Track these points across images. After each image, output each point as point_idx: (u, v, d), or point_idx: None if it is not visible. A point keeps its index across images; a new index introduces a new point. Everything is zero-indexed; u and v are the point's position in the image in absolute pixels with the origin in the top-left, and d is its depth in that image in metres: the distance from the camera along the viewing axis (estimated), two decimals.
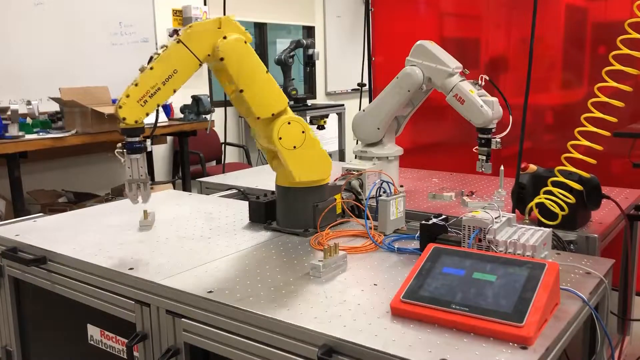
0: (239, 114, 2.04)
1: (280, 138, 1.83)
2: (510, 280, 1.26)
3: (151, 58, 1.78)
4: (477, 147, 2.32)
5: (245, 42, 1.80)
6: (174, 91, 1.78)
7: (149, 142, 1.80)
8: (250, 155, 6.72)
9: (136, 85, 1.74)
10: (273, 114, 1.84)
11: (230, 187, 2.78)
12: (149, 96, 1.75)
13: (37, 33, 4.78)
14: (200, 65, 1.80)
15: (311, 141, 1.88)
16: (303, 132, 1.86)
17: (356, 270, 1.57)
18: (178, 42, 1.76)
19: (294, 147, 1.85)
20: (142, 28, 5.60)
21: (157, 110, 1.80)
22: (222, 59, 1.77)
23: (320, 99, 8.04)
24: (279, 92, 1.86)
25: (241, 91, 1.80)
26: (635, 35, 1.82)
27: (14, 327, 1.97)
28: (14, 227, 2.04)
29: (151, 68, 1.75)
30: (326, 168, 1.93)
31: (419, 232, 1.69)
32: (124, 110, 1.72)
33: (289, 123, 1.84)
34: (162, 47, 1.79)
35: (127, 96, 1.73)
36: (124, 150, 1.78)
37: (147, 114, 1.76)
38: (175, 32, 1.85)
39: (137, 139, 1.77)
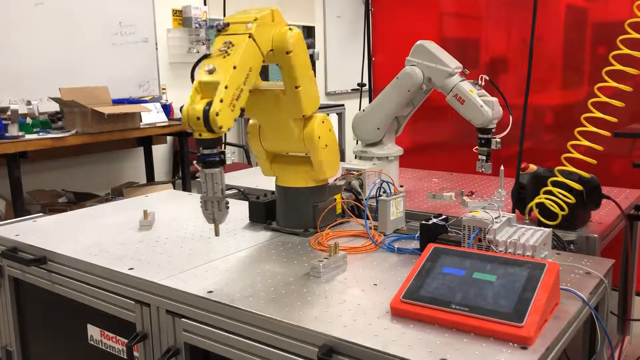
0: (254, 117, 1.92)
1: (319, 137, 1.82)
2: (510, 280, 1.26)
3: (205, 56, 1.59)
4: (477, 147, 2.33)
5: None
6: (249, 92, 1.61)
7: (228, 153, 1.62)
8: (250, 155, 6.72)
9: (226, 87, 1.50)
10: (304, 115, 1.82)
11: (230, 187, 2.78)
12: (236, 99, 1.54)
13: (37, 33, 4.78)
14: (264, 62, 1.66)
15: (334, 140, 1.90)
16: (330, 130, 1.87)
17: (356, 270, 1.57)
18: (250, 36, 1.59)
19: (326, 145, 1.86)
20: (142, 28, 5.60)
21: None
22: (289, 52, 1.67)
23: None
24: (317, 92, 1.85)
25: (297, 87, 1.74)
26: (635, 35, 1.82)
27: (14, 327, 1.97)
28: (14, 227, 2.04)
29: (234, 67, 1.53)
30: (338, 164, 1.96)
31: (419, 232, 1.69)
32: (221, 117, 1.48)
33: (323, 122, 1.84)
34: (226, 44, 1.58)
35: (221, 100, 1.49)
36: (199, 163, 1.56)
37: (235, 120, 1.56)
38: (222, 25, 1.65)
39: (214, 150, 1.54)
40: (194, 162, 1.56)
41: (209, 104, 1.48)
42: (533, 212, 2.01)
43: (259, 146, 1.95)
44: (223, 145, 1.52)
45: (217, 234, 1.63)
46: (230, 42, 1.58)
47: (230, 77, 1.52)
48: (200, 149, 1.54)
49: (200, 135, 1.51)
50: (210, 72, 1.52)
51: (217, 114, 1.46)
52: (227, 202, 1.60)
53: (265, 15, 1.65)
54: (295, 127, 1.83)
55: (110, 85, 4.76)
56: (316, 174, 1.89)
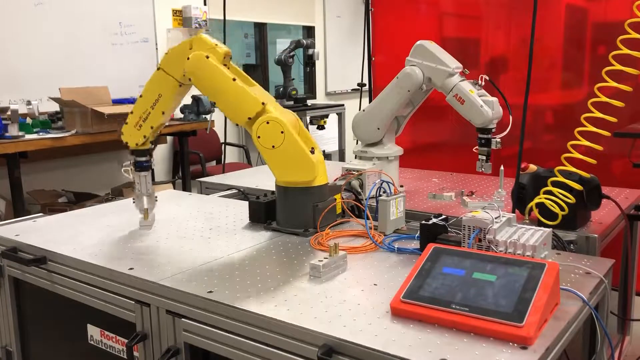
0: None
1: (258, 137, 1.87)
2: (510, 280, 1.26)
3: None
4: (477, 147, 2.32)
5: (208, 57, 1.86)
6: (163, 113, 1.94)
7: (152, 160, 2.04)
8: (250, 155, 6.72)
9: (131, 112, 1.95)
10: (250, 118, 1.87)
11: (230, 187, 2.78)
12: (143, 120, 1.95)
13: (37, 33, 4.78)
14: (180, 85, 1.93)
15: (292, 142, 1.85)
16: (282, 132, 1.85)
17: (356, 270, 1.57)
18: (158, 69, 1.92)
19: (273, 146, 1.86)
20: (142, 28, 5.60)
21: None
22: (190, 79, 1.89)
23: (320, 99, 8.04)
24: (249, 97, 1.87)
25: (213, 104, 1.89)
26: (635, 35, 1.82)
27: (14, 327, 1.97)
28: (14, 227, 2.04)
29: (140, 96, 1.93)
30: (309, 170, 1.87)
31: (419, 232, 1.69)
32: (125, 135, 1.98)
33: (267, 123, 1.85)
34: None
35: (126, 123, 1.96)
36: (133, 167, 2.00)
37: (145, 137, 1.96)
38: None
39: (144, 158, 2.00)
40: (130, 168, 1.92)
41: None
42: (533, 212, 2.01)
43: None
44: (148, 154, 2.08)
45: (146, 218, 2.03)
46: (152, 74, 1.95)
47: (136, 104, 1.95)
48: (134, 157, 2.00)
49: (136, 145, 1.98)
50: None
51: (122, 133, 1.97)
52: (156, 197, 2.06)
53: (178, 47, 1.91)
54: (250, 129, 1.92)
55: (110, 85, 4.76)
56: (276, 177, 1.93)
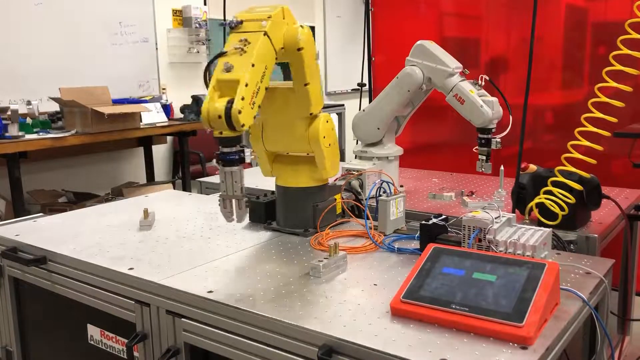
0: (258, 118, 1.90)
1: (324, 136, 1.81)
2: (510, 280, 1.26)
3: (221, 54, 1.58)
4: (477, 147, 2.32)
5: None
6: (266, 89, 1.60)
7: (247, 152, 1.59)
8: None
9: (247, 85, 1.50)
10: (311, 114, 1.81)
11: None
12: (255, 96, 1.54)
13: (37, 33, 4.78)
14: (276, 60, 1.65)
15: (336, 138, 1.90)
16: (333, 129, 1.87)
17: (356, 270, 1.57)
18: (265, 34, 1.58)
19: (329, 144, 1.85)
20: (142, 28, 5.60)
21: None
22: (300, 49, 1.67)
23: None
24: (320, 92, 1.84)
25: (306, 84, 1.74)
26: (635, 35, 1.82)
27: (14, 327, 1.97)
28: (14, 227, 2.04)
29: (252, 65, 1.52)
30: (339, 164, 1.95)
31: (419, 232, 1.69)
32: (244, 115, 1.47)
33: (327, 121, 1.84)
34: (241, 42, 1.57)
35: (243, 98, 1.48)
36: (219, 161, 1.57)
37: (254, 118, 1.56)
38: (235, 23, 1.64)
39: (233, 149, 1.56)
40: (215, 161, 1.59)
41: (230, 102, 1.47)
42: (533, 212, 2.01)
43: (261, 146, 1.94)
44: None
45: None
46: (246, 40, 1.58)
47: (250, 75, 1.52)
48: (220, 147, 1.54)
49: (220, 133, 1.51)
50: (228, 69, 1.52)
51: (239, 112, 1.46)
52: (247, 201, 1.61)
53: (277, 13, 1.66)
54: (300, 126, 1.83)
55: (110, 85, 4.76)
56: (318, 173, 1.89)
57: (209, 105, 1.49)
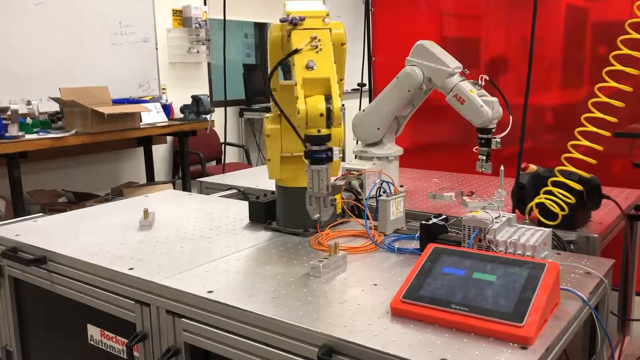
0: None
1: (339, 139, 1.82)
2: (510, 280, 1.26)
3: (295, 51, 1.56)
4: (477, 147, 2.32)
5: None
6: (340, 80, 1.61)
7: (335, 150, 1.55)
8: (250, 155, 6.72)
9: (341, 80, 1.54)
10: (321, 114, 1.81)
11: (230, 187, 2.78)
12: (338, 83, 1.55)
13: (37, 33, 4.78)
14: None
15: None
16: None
17: (356, 270, 1.57)
18: (329, 30, 1.61)
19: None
20: (142, 28, 5.61)
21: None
22: (343, 44, 1.71)
23: None
24: None
25: (341, 80, 1.75)
26: (635, 35, 1.82)
27: (14, 327, 1.97)
28: (14, 227, 2.04)
29: (334, 62, 1.54)
30: (339, 164, 1.94)
31: (419, 232, 1.69)
32: (337, 110, 1.49)
33: (340, 124, 1.84)
34: (313, 39, 1.57)
35: (340, 79, 1.55)
36: (307, 159, 1.55)
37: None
38: (298, 19, 1.62)
39: (322, 147, 1.53)
40: (304, 158, 1.54)
41: (327, 100, 1.48)
42: (533, 212, 2.01)
43: (278, 147, 1.89)
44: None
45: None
46: (317, 37, 1.58)
47: (336, 72, 1.53)
48: (308, 145, 1.52)
49: (319, 131, 1.50)
50: (311, 68, 1.52)
51: (340, 109, 1.49)
52: (333, 199, 1.59)
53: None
54: None
55: (110, 85, 4.76)
56: (332, 172, 1.88)
57: (308, 104, 1.48)
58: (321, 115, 1.48)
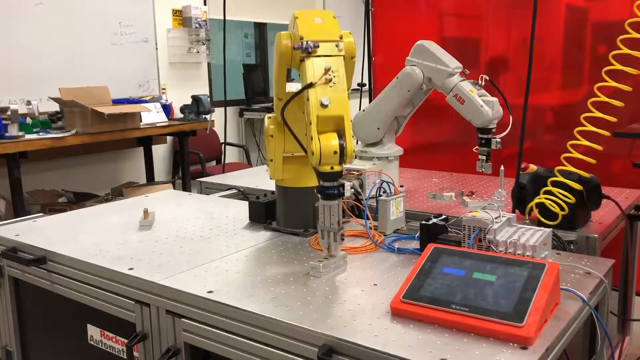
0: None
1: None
2: (510, 280, 1.26)
3: (310, 85, 1.56)
4: (477, 147, 2.32)
5: None
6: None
7: (347, 185, 1.55)
8: (250, 155, 6.72)
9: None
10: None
11: (230, 187, 2.78)
12: None
13: (37, 33, 4.78)
14: None
15: None
16: None
17: (356, 270, 1.57)
18: (343, 57, 1.62)
19: None
20: (142, 28, 5.61)
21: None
22: (353, 58, 1.71)
23: None
24: None
25: (347, 90, 1.75)
26: (635, 35, 1.82)
27: (14, 327, 1.97)
28: (14, 227, 2.04)
29: (348, 94, 1.57)
30: None
31: (419, 232, 1.69)
32: (349, 148, 1.51)
33: None
34: (327, 71, 1.57)
35: (351, 132, 1.54)
36: (318, 194, 1.54)
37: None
38: (313, 46, 1.59)
39: (335, 183, 1.53)
40: (316, 192, 1.52)
41: (340, 137, 1.50)
42: (533, 212, 2.01)
43: (281, 149, 1.88)
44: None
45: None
46: (331, 69, 1.57)
47: (349, 107, 1.55)
48: (321, 181, 1.53)
49: (332, 168, 1.51)
50: (325, 106, 1.52)
51: (353, 147, 1.51)
52: (343, 235, 1.59)
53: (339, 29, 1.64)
54: None
55: (110, 85, 4.76)
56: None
57: (322, 143, 1.49)
58: (335, 152, 1.49)
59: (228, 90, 3.84)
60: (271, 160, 1.91)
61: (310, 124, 1.51)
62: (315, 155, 1.49)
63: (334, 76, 1.56)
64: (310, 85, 1.55)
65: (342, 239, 1.59)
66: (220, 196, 2.61)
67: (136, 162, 5.73)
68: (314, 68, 1.58)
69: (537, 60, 2.15)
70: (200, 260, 1.67)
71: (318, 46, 1.61)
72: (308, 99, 1.54)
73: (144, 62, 5.65)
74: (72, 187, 5.01)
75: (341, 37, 1.63)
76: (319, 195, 1.54)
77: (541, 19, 2.72)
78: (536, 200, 1.98)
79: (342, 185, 1.54)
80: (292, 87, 1.78)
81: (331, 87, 1.55)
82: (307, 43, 1.59)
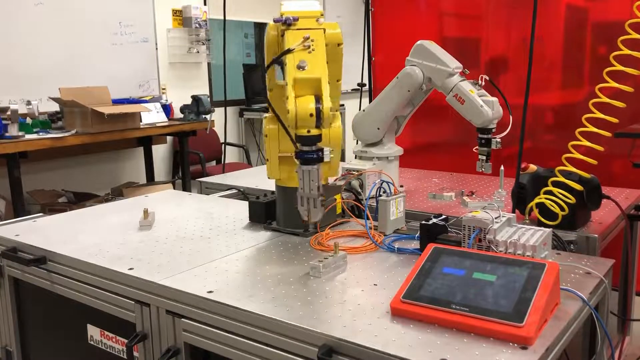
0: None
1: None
2: (510, 280, 1.26)
3: (288, 51, 1.56)
4: (477, 147, 2.32)
5: None
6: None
7: (327, 150, 1.54)
8: (250, 155, 6.72)
9: (338, 81, 1.56)
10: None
11: (230, 187, 2.78)
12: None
13: (37, 33, 4.78)
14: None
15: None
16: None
17: (356, 270, 1.57)
18: (324, 31, 1.60)
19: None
20: (142, 28, 5.61)
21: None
22: (340, 45, 1.71)
23: None
24: None
25: (339, 80, 1.76)
26: (635, 35, 1.82)
27: (14, 327, 1.97)
28: (14, 227, 2.04)
29: (327, 62, 1.54)
30: (338, 164, 1.96)
31: (419, 232, 1.69)
32: (326, 111, 1.48)
33: (338, 125, 1.86)
34: (306, 39, 1.57)
35: (328, 96, 1.49)
36: (297, 159, 1.55)
37: (331, 109, 1.55)
38: (292, 19, 1.63)
39: (313, 147, 1.54)
40: (295, 158, 1.53)
41: (317, 100, 1.48)
42: (533, 212, 2.01)
43: (276, 148, 1.89)
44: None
45: (309, 228, 1.72)
46: (310, 38, 1.58)
47: (329, 72, 1.53)
48: (299, 145, 1.53)
49: (308, 132, 1.50)
50: (302, 68, 1.52)
51: (330, 110, 1.48)
52: (323, 200, 1.59)
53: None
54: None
55: (110, 85, 4.76)
56: (330, 172, 1.89)
57: (298, 104, 1.49)
58: (311, 115, 1.48)
59: (228, 90, 3.84)
60: (267, 160, 1.92)
61: (287, 85, 1.51)
62: (291, 115, 1.48)
63: (313, 46, 1.56)
64: (289, 50, 1.56)
65: (322, 205, 1.58)
66: (220, 196, 2.61)
67: (136, 162, 5.72)
68: (293, 37, 1.59)
69: (537, 60, 2.15)
70: (200, 260, 1.67)
71: (297, 19, 1.63)
72: (286, 64, 1.55)
73: (144, 62, 5.65)
74: (72, 187, 5.01)
75: (322, 14, 1.64)
76: (298, 161, 1.53)
77: (541, 19, 2.72)
78: (536, 200, 1.98)
79: (322, 150, 1.53)
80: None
81: (310, 53, 1.55)
82: (287, 17, 1.62)
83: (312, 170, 1.54)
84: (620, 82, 1.84)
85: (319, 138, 1.52)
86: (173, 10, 6.00)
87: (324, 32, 1.63)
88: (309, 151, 1.53)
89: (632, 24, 1.83)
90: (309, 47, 1.57)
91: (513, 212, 2.06)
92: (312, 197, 1.56)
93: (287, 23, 1.62)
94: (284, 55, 1.58)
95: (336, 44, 1.70)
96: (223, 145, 4.73)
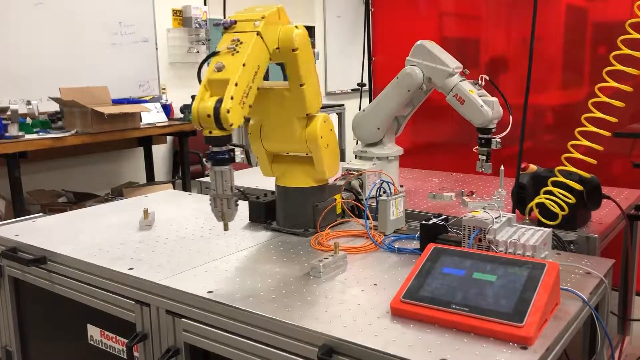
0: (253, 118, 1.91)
1: (321, 137, 1.81)
2: (510, 280, 1.26)
3: (213, 53, 1.60)
4: (477, 147, 2.32)
5: None
6: (257, 89, 1.60)
7: (238, 150, 1.62)
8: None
9: (236, 84, 1.51)
10: (308, 114, 1.81)
11: None
12: (245, 96, 1.55)
13: (37, 33, 4.78)
14: (270, 60, 1.66)
15: (335, 139, 1.91)
16: (332, 129, 1.87)
17: (356, 270, 1.57)
18: (257, 34, 1.60)
19: (327, 145, 1.85)
20: (142, 28, 5.61)
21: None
22: (294, 50, 1.69)
23: None
24: (319, 91, 1.84)
25: (302, 85, 1.75)
26: (635, 35, 1.82)
27: (14, 327, 1.97)
28: (14, 227, 2.04)
29: (244, 65, 1.53)
30: (338, 164, 1.96)
31: (419, 232, 1.69)
32: (232, 114, 1.48)
33: (325, 121, 1.84)
34: (234, 42, 1.59)
35: (232, 98, 1.49)
36: (208, 161, 1.57)
37: (244, 118, 1.56)
38: (229, 23, 1.66)
39: (223, 148, 1.56)
40: (204, 160, 1.58)
41: (219, 101, 1.49)
42: (533, 212, 2.01)
43: (260, 146, 1.93)
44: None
45: (226, 228, 1.65)
46: (239, 40, 1.59)
47: (240, 75, 1.52)
48: (210, 146, 1.55)
49: (210, 132, 1.52)
50: (219, 69, 1.54)
51: (228, 111, 1.47)
52: (237, 200, 1.62)
53: (272, 14, 1.67)
54: (298, 126, 1.82)
55: (110, 85, 4.76)
56: (317, 174, 1.89)
57: (199, 104, 1.51)
58: (208, 116, 1.49)
59: None
60: (257, 158, 1.95)
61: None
62: (192, 114, 1.51)
63: (238, 47, 1.58)
64: (214, 53, 1.59)
65: (236, 205, 1.59)
66: None
67: (136, 162, 5.72)
68: (225, 41, 1.62)
69: (537, 60, 2.15)
70: (200, 260, 1.67)
71: (235, 23, 1.65)
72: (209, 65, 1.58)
73: (144, 62, 5.65)
74: (72, 187, 5.01)
75: (263, 17, 1.64)
76: (209, 162, 1.55)
77: (541, 19, 2.72)
78: (536, 200, 1.98)
79: (232, 150, 1.56)
80: (266, 84, 1.80)
81: (232, 55, 1.57)
82: (225, 21, 1.65)
83: (225, 170, 1.56)
84: (620, 81, 1.84)
85: (225, 139, 1.53)
86: (173, 10, 6.00)
87: (260, 35, 1.61)
88: (219, 152, 1.55)
89: (632, 24, 1.83)
90: (233, 49, 1.58)
91: (513, 212, 2.06)
92: (225, 198, 1.57)
93: (224, 26, 1.66)
94: (211, 57, 1.61)
95: (290, 49, 1.69)
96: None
